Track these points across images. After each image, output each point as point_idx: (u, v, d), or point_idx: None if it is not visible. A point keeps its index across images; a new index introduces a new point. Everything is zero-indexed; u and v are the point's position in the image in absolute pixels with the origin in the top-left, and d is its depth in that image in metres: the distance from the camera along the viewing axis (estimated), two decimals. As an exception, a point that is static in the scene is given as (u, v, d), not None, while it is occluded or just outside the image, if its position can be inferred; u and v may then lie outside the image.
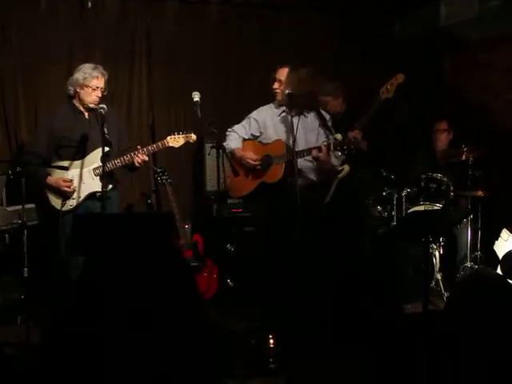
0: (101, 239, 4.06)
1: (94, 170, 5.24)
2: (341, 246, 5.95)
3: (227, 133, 5.43)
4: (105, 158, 4.99)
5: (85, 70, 5.21)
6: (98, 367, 3.03)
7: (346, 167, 5.65)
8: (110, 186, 5.26)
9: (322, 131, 5.38)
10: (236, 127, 5.40)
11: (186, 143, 5.41)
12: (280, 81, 5.26)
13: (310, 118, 5.32)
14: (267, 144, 5.33)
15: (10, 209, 5.46)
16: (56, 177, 5.20)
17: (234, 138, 5.36)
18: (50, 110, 5.70)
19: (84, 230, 4.11)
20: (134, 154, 5.23)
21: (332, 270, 5.23)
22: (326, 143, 5.07)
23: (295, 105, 5.15)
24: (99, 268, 3.99)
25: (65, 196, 5.20)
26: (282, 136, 5.27)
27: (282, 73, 5.26)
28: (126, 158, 5.23)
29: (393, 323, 3.13)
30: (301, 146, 5.17)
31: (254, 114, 5.43)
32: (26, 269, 4.93)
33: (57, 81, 6.31)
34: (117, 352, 3.07)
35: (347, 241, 6.03)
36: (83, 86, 5.20)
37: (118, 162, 5.22)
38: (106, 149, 5.07)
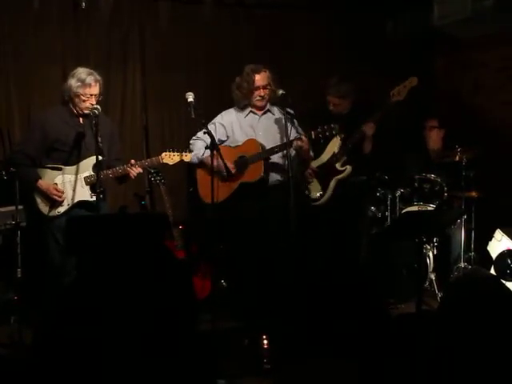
0: (95, 240, 4.06)
1: (86, 178, 5.19)
2: (335, 248, 5.95)
3: (192, 141, 5.47)
4: (99, 166, 4.94)
5: (79, 76, 5.12)
6: (92, 368, 3.02)
7: (349, 168, 5.69)
8: (101, 196, 5.09)
9: (290, 127, 5.43)
10: (201, 134, 5.38)
11: (181, 161, 5.36)
12: (267, 86, 5.30)
13: (277, 115, 5.41)
14: (237, 146, 5.36)
15: (2, 209, 5.44)
16: (47, 181, 5.15)
17: (202, 147, 5.37)
18: (43, 110, 5.68)
19: (78, 230, 4.11)
20: (129, 166, 5.18)
21: (324, 270, 5.24)
22: (311, 132, 5.18)
23: (286, 104, 5.20)
24: (93, 268, 3.99)
25: (53, 203, 5.16)
26: (250, 136, 5.39)
27: (264, 78, 5.34)
28: (119, 169, 5.19)
29: (379, 325, 3.13)
30: (272, 143, 5.25)
31: (219, 119, 5.52)
32: (19, 269, 4.92)
33: (50, 81, 6.30)
34: (110, 352, 3.06)
35: (343, 243, 6.03)
36: (77, 94, 5.13)
37: (110, 173, 5.17)
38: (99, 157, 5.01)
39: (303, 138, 5.16)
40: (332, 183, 5.78)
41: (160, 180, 5.95)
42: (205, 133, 4.98)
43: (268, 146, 5.31)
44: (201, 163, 5.38)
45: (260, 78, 5.36)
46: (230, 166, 5.26)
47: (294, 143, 5.18)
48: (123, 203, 6.52)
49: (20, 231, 4.99)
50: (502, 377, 2.53)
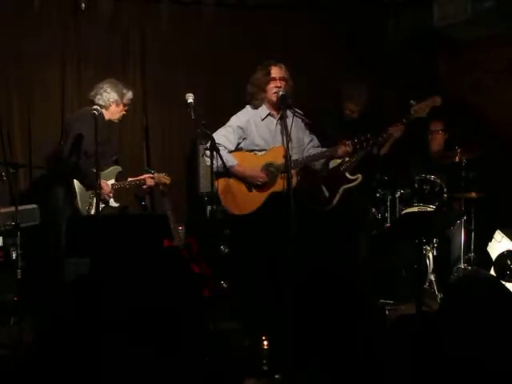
0: (95, 241, 4.06)
1: (112, 185, 5.56)
2: (340, 250, 5.90)
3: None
4: (99, 165, 5.02)
5: (122, 90, 5.62)
6: (93, 368, 3.02)
7: (360, 177, 5.58)
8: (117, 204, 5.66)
9: (306, 129, 5.40)
10: (221, 140, 5.10)
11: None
12: (283, 78, 5.22)
13: (292, 118, 5.17)
14: (263, 153, 5.24)
15: (3, 210, 5.45)
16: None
17: (227, 154, 5.11)
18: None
19: (78, 232, 4.11)
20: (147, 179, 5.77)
21: (328, 272, 5.21)
22: (355, 139, 5.13)
23: (289, 106, 5.16)
24: (93, 269, 3.99)
25: (90, 204, 5.40)
26: (268, 140, 5.21)
27: (280, 70, 5.24)
28: (138, 181, 5.74)
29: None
30: (291, 148, 5.16)
31: (236, 121, 5.27)
32: (19, 270, 4.92)
33: (50, 82, 6.32)
34: (112, 352, 3.06)
35: (347, 245, 5.99)
36: (120, 103, 5.61)
37: (130, 181, 5.70)
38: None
39: (350, 143, 5.09)
40: (340, 192, 5.63)
41: (160, 181, 5.96)
42: (210, 141, 4.86)
43: (291, 151, 5.04)
44: (227, 172, 5.04)
45: (276, 69, 5.21)
46: (262, 175, 5.17)
47: (339, 151, 5.13)
48: (123, 204, 6.53)
49: (20, 232, 5.00)
50: (502, 377, 2.54)
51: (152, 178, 5.80)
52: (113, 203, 5.61)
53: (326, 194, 5.63)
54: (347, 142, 5.14)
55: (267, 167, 5.16)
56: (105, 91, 5.54)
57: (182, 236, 6.08)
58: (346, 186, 5.57)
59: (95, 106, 5.11)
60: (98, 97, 5.53)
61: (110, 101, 5.55)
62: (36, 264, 5.41)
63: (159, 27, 6.79)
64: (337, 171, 5.60)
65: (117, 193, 5.66)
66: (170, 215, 5.89)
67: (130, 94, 5.70)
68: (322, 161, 5.32)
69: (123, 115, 5.77)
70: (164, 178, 5.87)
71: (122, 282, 3.37)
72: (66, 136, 5.56)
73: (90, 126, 5.15)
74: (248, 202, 5.18)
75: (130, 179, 5.74)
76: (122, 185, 5.66)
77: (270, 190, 5.17)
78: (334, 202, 5.58)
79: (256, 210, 5.17)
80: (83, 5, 6.34)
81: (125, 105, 5.68)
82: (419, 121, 6.72)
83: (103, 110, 5.48)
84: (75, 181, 5.37)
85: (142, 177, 5.77)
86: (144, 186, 5.82)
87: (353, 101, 6.16)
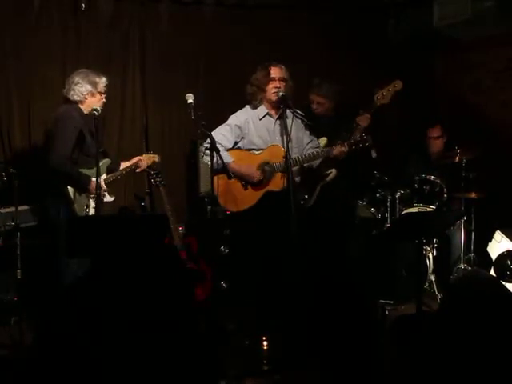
0: (95, 241, 4.06)
1: (104, 180, 5.32)
2: (326, 249, 5.90)
3: (207, 145, 5.04)
4: (98, 166, 4.96)
5: (94, 79, 5.32)
6: (93, 368, 3.02)
7: (334, 171, 5.59)
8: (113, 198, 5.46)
9: (306, 130, 5.41)
10: (218, 138, 5.14)
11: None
12: (282, 79, 5.23)
13: (291, 119, 5.19)
14: (260, 152, 5.27)
15: (3, 211, 5.44)
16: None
17: (223, 152, 5.07)
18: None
19: (78, 232, 4.11)
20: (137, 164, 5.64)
21: (320, 271, 5.23)
22: (351, 140, 5.12)
23: (289, 106, 5.16)
24: (93, 269, 3.99)
25: (87, 205, 5.26)
26: (266, 139, 5.26)
27: (280, 71, 5.26)
28: (130, 167, 5.58)
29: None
30: (293, 147, 5.18)
31: (234, 121, 5.33)
32: (19, 271, 4.92)
33: (50, 82, 6.30)
34: (112, 352, 3.07)
35: (333, 243, 5.99)
36: (95, 93, 5.31)
37: (118, 174, 5.50)
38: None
39: (345, 144, 5.11)
40: (318, 187, 5.65)
41: (160, 181, 5.95)
42: (208, 137, 4.86)
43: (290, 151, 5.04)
44: (224, 169, 4.97)
45: (276, 70, 5.23)
46: (257, 174, 5.18)
47: (335, 151, 5.14)
48: (123, 204, 6.53)
49: (20, 232, 4.99)
50: (501, 377, 2.54)
51: (141, 160, 5.69)
52: (108, 198, 5.39)
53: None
54: (343, 143, 5.14)
55: (263, 166, 5.20)
56: (76, 85, 5.28)
57: (182, 236, 6.08)
58: (323, 180, 5.58)
59: (95, 106, 5.07)
60: (72, 92, 5.29)
61: (84, 94, 5.28)
62: (36, 264, 5.40)
63: (159, 27, 6.78)
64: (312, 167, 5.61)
65: (112, 186, 5.51)
66: (169, 215, 5.90)
67: (103, 81, 5.38)
68: (318, 161, 5.33)
69: (104, 104, 5.46)
70: (152, 157, 5.78)
71: (122, 282, 3.37)
72: (51, 139, 5.33)
73: (83, 125, 5.16)
74: (244, 199, 5.23)
75: (122, 164, 5.61)
76: (115, 176, 5.47)
77: (265, 189, 5.21)
78: (313, 197, 5.61)
79: (250, 208, 5.21)
80: (83, 5, 6.33)
81: (101, 93, 5.38)
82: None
83: (79, 105, 5.29)
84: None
85: (134, 160, 5.64)
86: (137, 170, 5.68)
87: (317, 92, 6.15)
